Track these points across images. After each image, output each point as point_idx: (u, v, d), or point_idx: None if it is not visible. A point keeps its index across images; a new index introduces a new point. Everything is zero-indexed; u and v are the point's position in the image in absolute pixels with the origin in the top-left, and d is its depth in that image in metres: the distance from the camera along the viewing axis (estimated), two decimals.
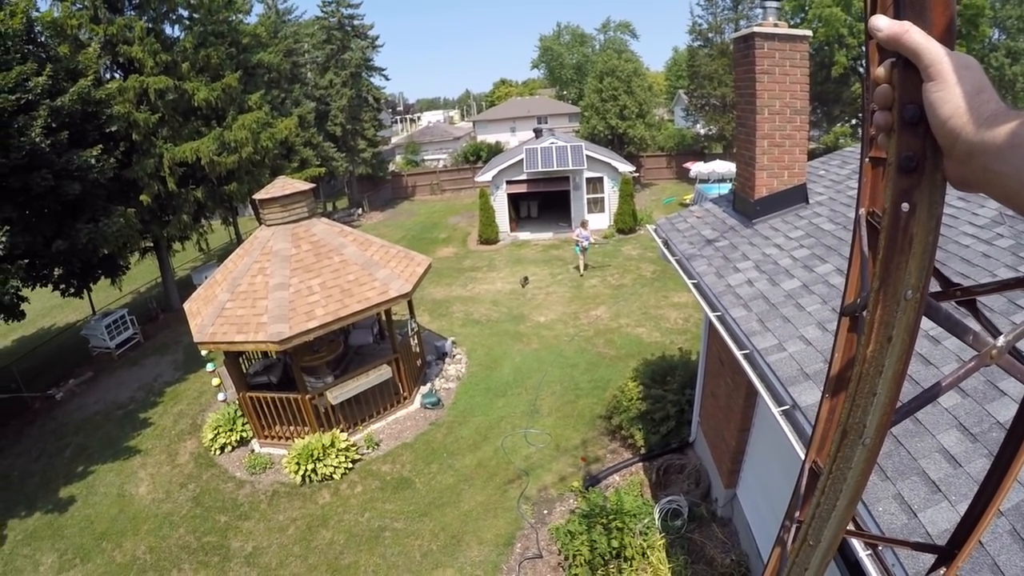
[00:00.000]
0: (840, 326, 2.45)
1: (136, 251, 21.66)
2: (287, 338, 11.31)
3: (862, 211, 1.86)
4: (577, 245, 22.30)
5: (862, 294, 2.22)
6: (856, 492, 1.60)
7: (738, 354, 6.74)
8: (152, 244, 22.94)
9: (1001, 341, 1.35)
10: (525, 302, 20.17)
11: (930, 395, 1.52)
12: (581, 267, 22.49)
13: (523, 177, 27.55)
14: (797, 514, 2.94)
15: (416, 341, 15.15)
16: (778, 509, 8.28)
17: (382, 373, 13.61)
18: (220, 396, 15.82)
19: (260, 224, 13.61)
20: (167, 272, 24.30)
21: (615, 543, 9.05)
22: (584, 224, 22.58)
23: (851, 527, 1.84)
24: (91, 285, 20.29)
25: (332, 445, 12.47)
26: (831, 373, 2.62)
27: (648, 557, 9.26)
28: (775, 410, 5.76)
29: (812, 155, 9.31)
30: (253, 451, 13.43)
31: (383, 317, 14.49)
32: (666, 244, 9.38)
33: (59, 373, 19.39)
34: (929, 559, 2.34)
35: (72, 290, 19.29)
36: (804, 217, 8.62)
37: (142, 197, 19.75)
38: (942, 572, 2.14)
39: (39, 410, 17.25)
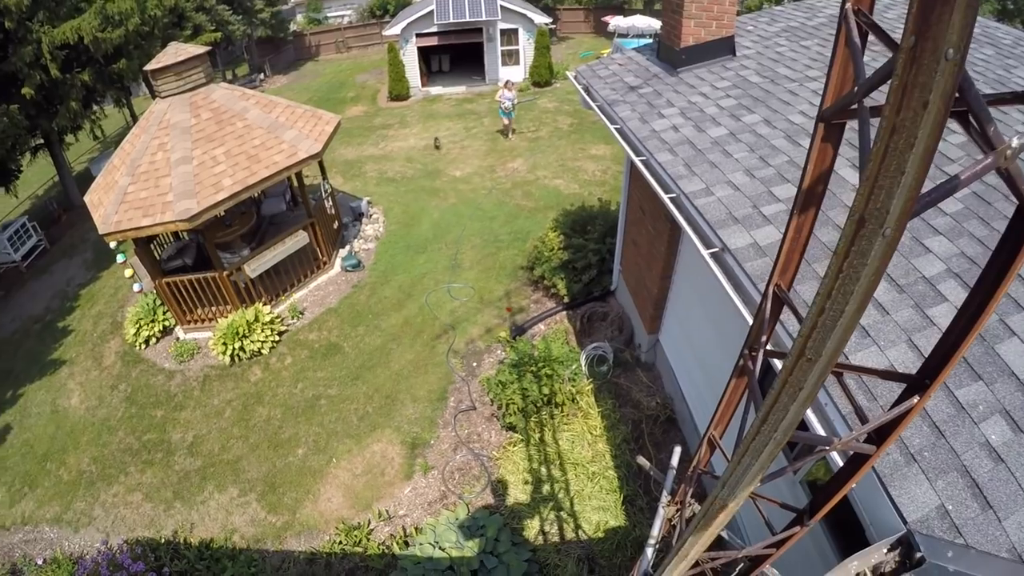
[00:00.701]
0: (815, 135, 2.18)
1: (26, 151, 19.72)
2: (196, 214, 10.59)
3: (848, 4, 1.76)
4: (501, 108, 20.16)
5: (843, 95, 2.03)
6: (868, 293, 1.43)
7: (664, 197, 6.60)
8: (43, 141, 20.75)
9: (1015, 142, 1.29)
10: (440, 157, 19.50)
11: (950, 187, 1.35)
12: (509, 133, 20.63)
13: (434, 29, 25.81)
14: (763, 338, 2.87)
15: (331, 203, 14.51)
16: (700, 352, 8.54)
17: (299, 239, 13.07)
18: (136, 287, 14.93)
19: (155, 98, 12.36)
20: (63, 168, 22.13)
21: (546, 390, 9.24)
22: (508, 85, 20.18)
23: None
24: None
25: (256, 320, 12.07)
26: (802, 187, 2.41)
27: (578, 402, 9.53)
28: (704, 252, 5.70)
29: (738, 14, 8.95)
30: (178, 339, 12.89)
31: (295, 182, 13.73)
32: (587, 90, 8.97)
33: None
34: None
35: None
36: (731, 69, 8.38)
37: (24, 90, 17.34)
38: (915, 400, 2.10)
39: None
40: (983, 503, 3.20)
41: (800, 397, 1.72)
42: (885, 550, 3.22)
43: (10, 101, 17.16)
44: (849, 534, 4.34)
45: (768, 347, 2.78)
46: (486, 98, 24.55)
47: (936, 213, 4.96)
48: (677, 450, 4.07)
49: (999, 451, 3.39)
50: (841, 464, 2.61)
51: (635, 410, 9.63)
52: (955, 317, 1.86)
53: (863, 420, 2.29)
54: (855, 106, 1.65)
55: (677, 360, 9.47)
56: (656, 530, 3.54)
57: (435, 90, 27.17)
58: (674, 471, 3.90)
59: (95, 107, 21.95)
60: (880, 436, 2.20)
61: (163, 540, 9.20)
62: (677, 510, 3.60)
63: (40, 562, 9.44)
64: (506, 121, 20.35)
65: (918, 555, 3.08)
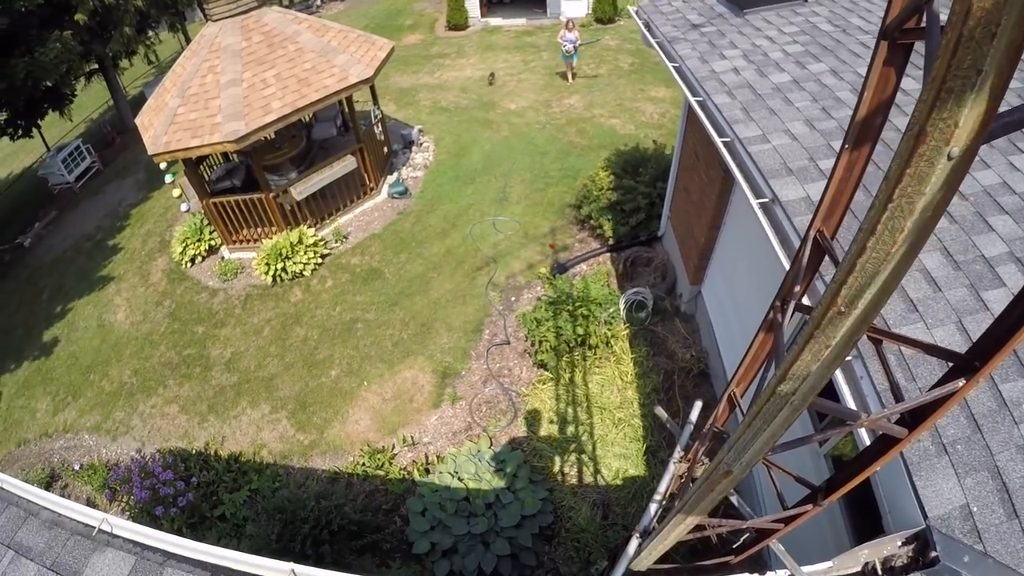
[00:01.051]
0: (875, 56, 1.83)
1: (81, 76, 19.65)
2: (244, 135, 10.48)
3: None
4: (563, 51, 18.39)
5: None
6: (922, 234, 1.14)
7: (718, 141, 6.23)
8: (97, 66, 20.77)
9: None
10: (495, 89, 18.95)
11: None
12: (570, 76, 18.96)
13: None
14: (797, 288, 2.59)
15: (380, 129, 14.28)
16: (741, 309, 8.22)
17: (347, 164, 12.92)
18: (183, 207, 15.11)
19: (207, 22, 12.17)
20: (117, 92, 22.25)
21: (580, 330, 9.03)
22: (570, 25, 18.25)
23: None
24: (40, 122, 18.67)
25: (300, 242, 12.07)
26: (856, 117, 2.04)
27: (612, 346, 9.32)
28: (753, 202, 5.36)
29: None
30: (223, 258, 13.03)
31: (345, 107, 13.50)
32: (647, 26, 8.48)
33: (24, 220, 18.32)
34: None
35: (20, 132, 17.83)
36: (801, 15, 7.81)
37: (77, 16, 17.32)
38: (960, 384, 1.83)
39: (10, 262, 16.50)
40: (1010, 510, 2.93)
41: (826, 357, 1.45)
42: (900, 543, 2.99)
43: (63, 28, 17.12)
44: (866, 519, 4.10)
45: (803, 301, 2.51)
46: (546, 31, 23.65)
47: (1005, 191, 4.51)
48: (698, 404, 3.85)
49: None
50: (868, 443, 2.37)
51: (669, 360, 9.39)
52: (1014, 300, 1.58)
53: (898, 398, 2.02)
54: (923, 24, 1.34)
55: (717, 314, 9.14)
56: (663, 486, 3.36)
57: (494, 21, 26.30)
58: (691, 427, 3.69)
59: (150, 32, 21.91)
60: (915, 419, 1.93)
61: (194, 451, 9.45)
62: (688, 467, 3.40)
63: (77, 467, 9.83)
64: (571, 64, 18.99)
65: (933, 554, 2.86)
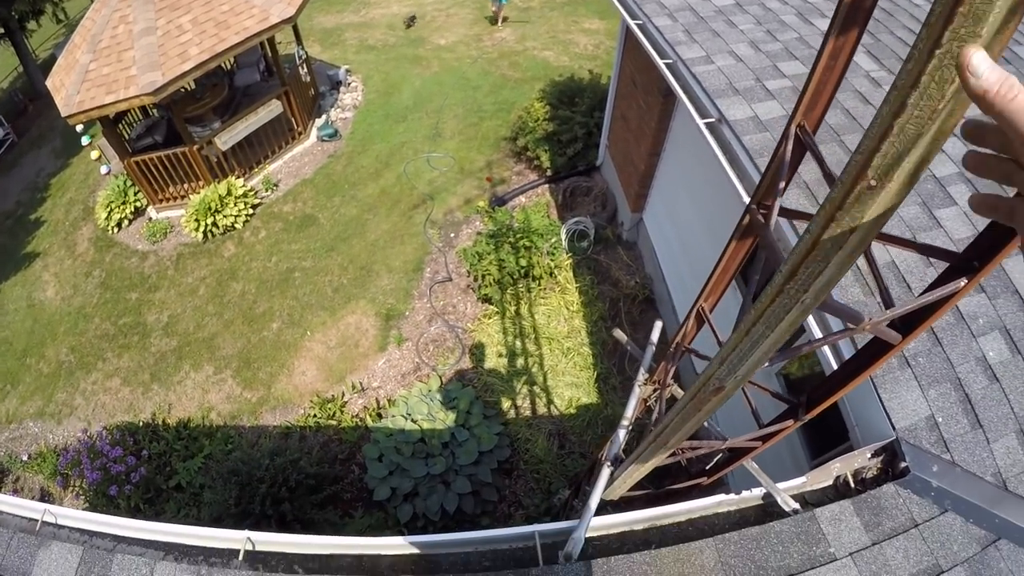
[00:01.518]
0: None
1: None
2: (161, 86, 9.67)
3: None
4: None
5: None
6: None
7: (660, 63, 5.97)
8: (2, 30, 18.91)
9: None
10: (425, 24, 18.15)
11: None
12: (499, 21, 17.49)
13: None
14: (781, 185, 2.35)
15: (306, 71, 13.52)
16: (684, 234, 8.10)
17: (272, 109, 12.20)
18: (103, 169, 14.00)
19: None
20: (27, 57, 20.20)
21: (523, 262, 8.81)
22: None
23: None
24: None
25: (229, 194, 11.38)
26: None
27: (556, 276, 9.16)
28: (699, 122, 5.15)
29: None
30: (151, 219, 12.18)
31: (268, 50, 12.71)
32: None
33: None
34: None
35: None
36: None
37: None
38: (962, 283, 1.66)
39: None
40: (974, 420, 2.94)
41: (849, 243, 1.19)
42: (869, 455, 2.93)
43: None
44: (826, 436, 4.08)
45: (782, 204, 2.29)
46: None
47: None
48: (658, 325, 3.67)
49: (995, 369, 3.12)
50: (849, 354, 2.21)
51: (613, 288, 9.29)
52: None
53: (888, 304, 1.83)
54: None
55: (660, 240, 9.04)
56: (630, 411, 3.19)
57: None
58: (653, 347, 3.52)
59: None
60: (906, 325, 1.77)
61: (141, 423, 8.98)
62: (655, 390, 3.24)
63: (25, 458, 9.26)
64: (494, 8, 17.50)
65: (903, 465, 2.83)
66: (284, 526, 7.05)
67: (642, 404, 3.26)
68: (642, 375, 3.31)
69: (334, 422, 8.28)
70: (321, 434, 8.24)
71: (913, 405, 2.97)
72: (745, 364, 1.67)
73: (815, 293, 1.36)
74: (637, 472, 2.62)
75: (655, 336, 3.57)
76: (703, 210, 7.44)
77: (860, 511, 2.78)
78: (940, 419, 2.93)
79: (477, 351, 8.73)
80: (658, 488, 3.52)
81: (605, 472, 2.87)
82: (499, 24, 17.60)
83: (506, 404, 8.09)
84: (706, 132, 5.06)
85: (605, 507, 3.08)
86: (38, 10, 19.05)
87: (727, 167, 4.75)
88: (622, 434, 3.06)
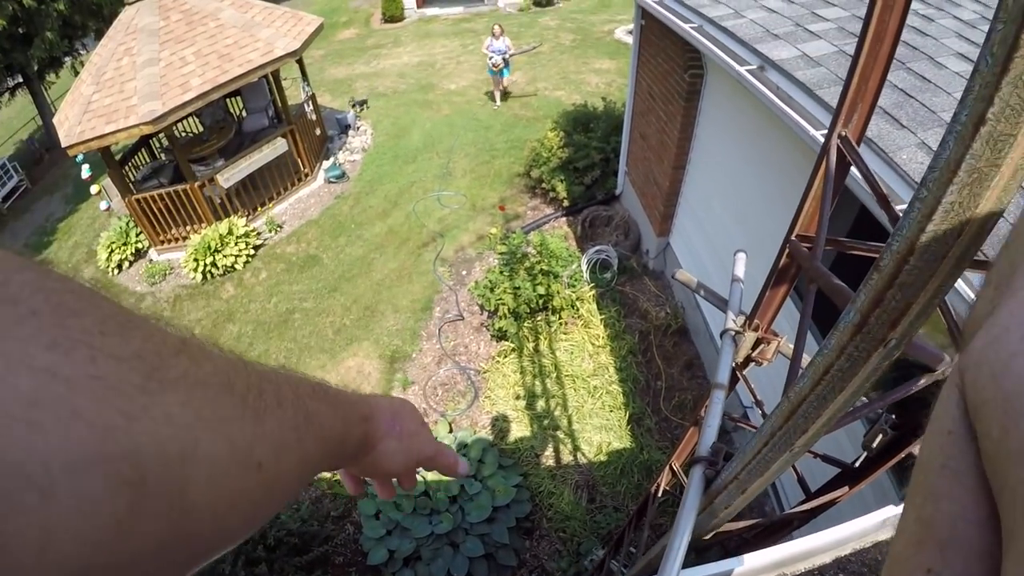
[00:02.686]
0: None
1: (4, 91, 17.91)
2: (161, 115, 9.04)
3: None
4: (490, 66, 14.19)
5: None
6: None
7: (685, 27, 5.00)
8: (21, 79, 18.88)
9: None
10: (435, 72, 17.59)
11: None
12: (497, 97, 14.76)
13: None
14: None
15: (311, 107, 12.81)
16: (719, 249, 7.02)
17: (277, 147, 11.46)
18: (103, 205, 13.38)
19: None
20: (44, 107, 20.11)
21: (541, 290, 7.66)
22: (496, 32, 14.08)
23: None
24: None
25: (230, 233, 10.51)
26: None
27: (578, 309, 8.02)
28: (741, 70, 4.10)
29: None
30: (151, 261, 11.37)
31: (276, 94, 12.08)
32: None
33: None
34: None
35: None
36: None
37: None
38: None
39: None
40: None
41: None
42: None
43: None
44: None
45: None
46: (484, 17, 22.39)
47: None
48: (741, 257, 2.54)
49: None
50: None
51: (642, 320, 8.13)
52: None
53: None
54: None
55: (690, 262, 7.92)
56: (723, 374, 2.02)
57: (431, 11, 24.87)
58: (742, 285, 2.40)
59: (76, 43, 19.98)
60: None
61: None
62: (759, 340, 2.09)
63: None
64: (500, 81, 14.63)
65: None
66: None
67: (739, 365, 2.11)
68: (732, 319, 2.18)
69: (328, 475, 7.08)
70: (314, 488, 7.02)
71: None
72: None
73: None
74: (755, 485, 1.44)
75: (740, 270, 2.44)
76: (742, 218, 6.36)
77: None
78: None
79: (491, 394, 7.55)
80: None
81: (697, 480, 1.66)
82: (497, 103, 14.89)
83: (525, 452, 6.85)
84: (752, 80, 4.00)
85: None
86: (56, 60, 18.84)
87: (787, 111, 3.67)
88: (718, 410, 1.87)
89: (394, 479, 0.83)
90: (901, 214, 0.86)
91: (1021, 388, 0.28)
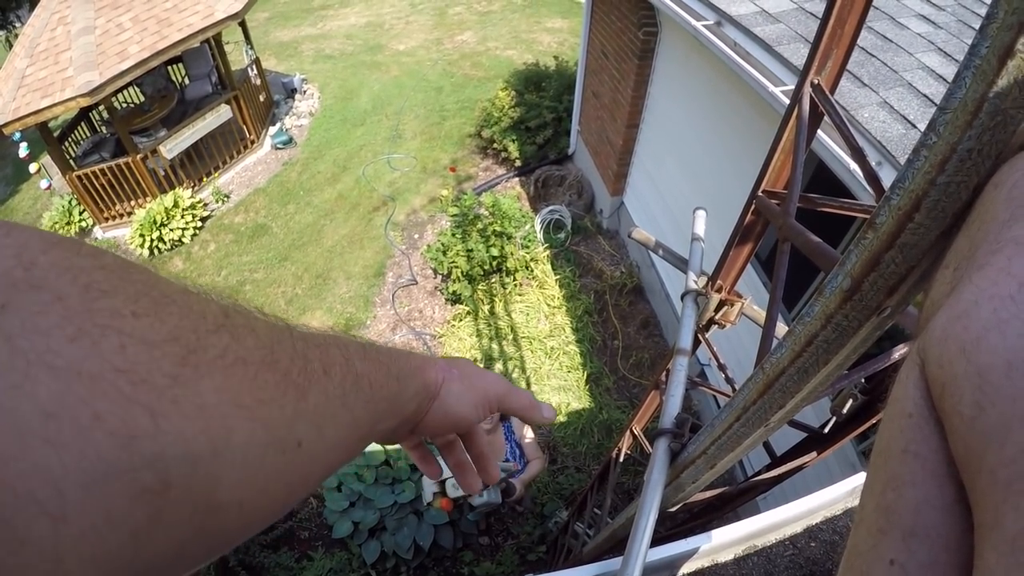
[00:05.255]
0: None
1: None
2: (98, 86, 8.52)
3: None
4: None
5: None
6: None
7: None
8: None
9: None
10: (383, 32, 17.02)
11: None
12: None
13: None
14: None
15: (256, 72, 12.27)
16: (673, 208, 6.96)
17: (221, 114, 10.95)
18: (43, 183, 12.66)
19: None
20: None
21: (495, 251, 7.49)
22: None
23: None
24: None
25: (175, 206, 10.04)
26: None
27: (532, 270, 7.91)
28: (697, 25, 3.96)
29: None
30: (96, 239, 10.80)
31: (219, 60, 11.50)
32: None
33: None
34: None
35: None
36: None
37: None
38: None
39: None
40: None
41: None
42: None
43: None
44: None
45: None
46: None
47: None
48: (701, 214, 2.43)
49: None
50: None
51: (597, 280, 8.07)
52: None
53: None
54: None
55: (645, 221, 7.85)
56: (686, 338, 1.92)
57: None
58: (702, 244, 2.30)
59: (11, 16, 18.90)
60: None
61: None
62: (722, 302, 1.99)
63: None
64: None
65: None
66: (227, 573, 5.70)
67: (702, 327, 2.01)
68: (693, 280, 2.08)
69: None
70: None
71: None
72: None
73: None
74: (724, 460, 1.34)
75: (700, 227, 2.34)
76: (696, 170, 6.30)
77: None
78: None
79: (448, 357, 7.42)
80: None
81: (662, 453, 1.56)
82: None
83: None
84: (708, 35, 3.87)
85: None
86: None
87: (742, 63, 3.57)
88: (681, 377, 1.76)
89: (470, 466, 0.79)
90: (876, 168, 0.74)
91: (996, 361, 0.26)
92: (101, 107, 11.09)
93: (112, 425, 0.26)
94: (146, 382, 0.28)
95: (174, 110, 11.49)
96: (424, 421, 0.66)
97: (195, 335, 0.32)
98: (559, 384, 6.89)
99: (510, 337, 7.41)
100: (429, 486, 3.81)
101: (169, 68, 12.30)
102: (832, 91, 1.38)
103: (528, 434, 4.28)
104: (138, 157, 9.96)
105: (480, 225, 7.60)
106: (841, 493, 1.78)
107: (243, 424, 0.33)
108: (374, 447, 6.10)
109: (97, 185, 10.26)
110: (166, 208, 9.99)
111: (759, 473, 1.90)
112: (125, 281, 0.31)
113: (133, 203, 10.68)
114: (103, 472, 0.25)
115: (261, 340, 0.38)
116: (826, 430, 1.66)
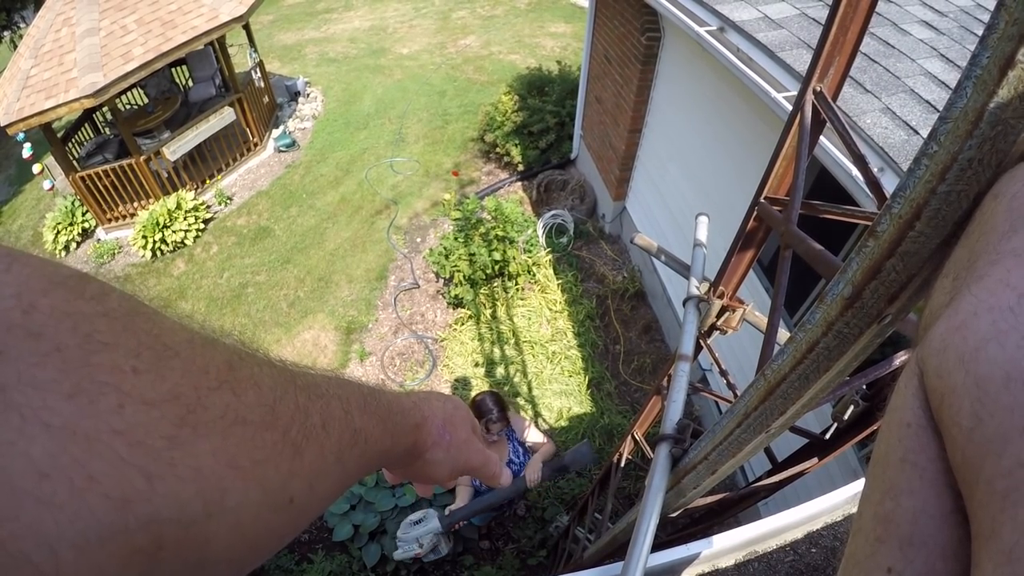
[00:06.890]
0: None
1: None
2: (103, 88, 8.54)
3: None
4: None
5: None
6: None
7: None
8: None
9: None
10: (387, 36, 17.07)
11: None
12: None
13: None
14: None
15: (259, 75, 12.32)
16: (676, 213, 6.97)
17: (224, 116, 10.98)
18: (46, 184, 12.70)
19: None
20: None
21: (497, 255, 7.50)
22: None
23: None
24: None
25: (178, 207, 10.07)
26: None
27: (534, 274, 7.91)
28: (700, 31, 3.97)
29: None
30: (99, 240, 10.85)
31: (223, 63, 11.52)
32: None
33: None
34: None
35: None
36: None
37: None
38: None
39: None
40: None
41: None
42: None
43: None
44: None
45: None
46: None
47: None
48: (703, 220, 2.44)
49: None
50: None
51: (599, 284, 8.08)
52: None
53: None
54: None
55: (647, 227, 7.86)
56: (689, 343, 1.92)
57: None
58: (704, 250, 2.31)
59: (16, 17, 18.98)
60: None
61: None
62: (724, 309, 2.00)
63: None
64: None
65: None
66: None
67: (703, 333, 2.01)
68: (695, 286, 2.08)
69: None
70: None
71: None
72: None
73: None
74: (726, 466, 1.35)
75: (702, 233, 2.34)
76: (699, 175, 6.31)
77: None
78: None
79: (449, 362, 7.43)
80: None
81: (663, 459, 1.56)
82: None
83: None
84: (711, 40, 3.88)
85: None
86: None
87: (744, 69, 3.57)
88: (683, 383, 1.76)
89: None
90: (878, 174, 0.74)
91: (994, 373, 0.26)
92: (105, 108, 11.14)
93: (107, 487, 0.25)
94: (143, 444, 0.27)
95: (178, 112, 11.55)
96: (401, 469, 0.70)
97: (196, 393, 0.32)
98: (560, 388, 6.89)
99: (512, 341, 7.41)
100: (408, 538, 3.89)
101: (173, 70, 12.36)
102: (835, 97, 1.38)
103: (529, 437, 4.28)
104: (141, 159, 10.00)
105: (482, 229, 7.61)
106: (842, 499, 1.79)
107: (238, 484, 0.33)
108: None
109: (100, 186, 10.29)
110: (169, 210, 10.01)
111: (760, 479, 1.91)
112: (128, 331, 0.31)
113: (136, 204, 10.72)
114: (97, 534, 0.25)
115: (263, 396, 0.37)
116: (827, 436, 1.66)
